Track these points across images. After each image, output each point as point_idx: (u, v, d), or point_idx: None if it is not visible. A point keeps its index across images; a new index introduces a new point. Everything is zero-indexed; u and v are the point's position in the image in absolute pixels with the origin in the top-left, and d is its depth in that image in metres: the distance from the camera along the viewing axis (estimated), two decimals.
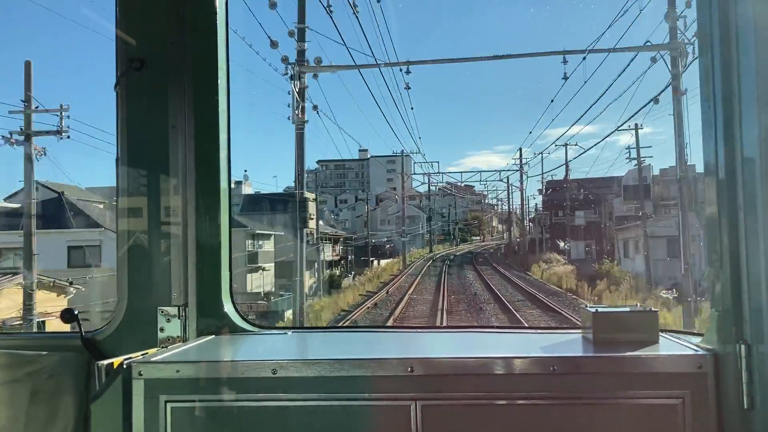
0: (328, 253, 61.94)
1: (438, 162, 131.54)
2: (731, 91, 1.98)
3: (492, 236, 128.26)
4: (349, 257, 72.73)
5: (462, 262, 66.75)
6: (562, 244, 61.74)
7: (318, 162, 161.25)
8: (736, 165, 1.97)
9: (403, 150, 64.84)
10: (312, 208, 23.24)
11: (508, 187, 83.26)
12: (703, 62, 2.11)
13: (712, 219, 2.08)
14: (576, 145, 72.37)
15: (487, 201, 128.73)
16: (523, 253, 67.20)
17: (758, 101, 1.87)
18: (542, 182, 66.95)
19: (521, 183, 68.66)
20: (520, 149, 65.03)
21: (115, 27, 2.78)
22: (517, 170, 62.37)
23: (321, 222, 74.72)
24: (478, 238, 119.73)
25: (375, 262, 70.23)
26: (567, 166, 63.33)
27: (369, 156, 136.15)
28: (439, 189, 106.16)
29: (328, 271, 58.06)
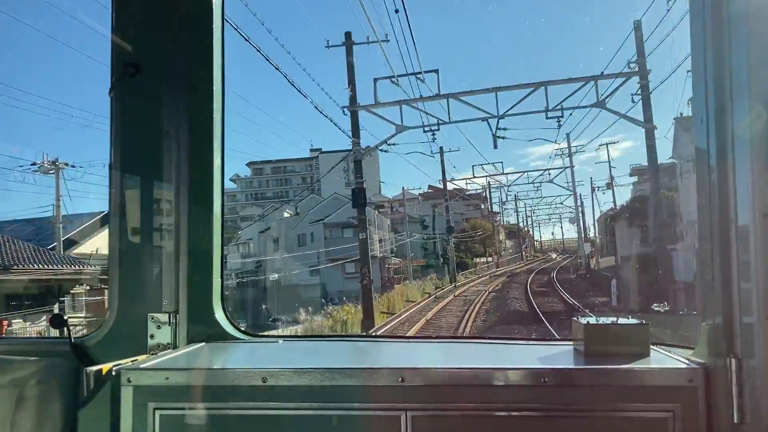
0: None
1: (437, 70, 28.98)
2: (724, 109, 1.98)
3: (500, 256, 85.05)
4: None
5: None
6: None
7: (248, 164, 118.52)
8: (728, 178, 1.97)
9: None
10: None
11: None
12: (696, 81, 2.10)
13: (703, 231, 2.08)
14: None
15: (486, 207, 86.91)
16: None
17: (750, 114, 1.87)
18: None
19: None
20: None
21: (111, 32, 2.80)
22: None
23: None
24: (486, 259, 74.86)
25: None
26: None
27: (320, 152, 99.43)
28: (419, 194, 73.67)
29: None
